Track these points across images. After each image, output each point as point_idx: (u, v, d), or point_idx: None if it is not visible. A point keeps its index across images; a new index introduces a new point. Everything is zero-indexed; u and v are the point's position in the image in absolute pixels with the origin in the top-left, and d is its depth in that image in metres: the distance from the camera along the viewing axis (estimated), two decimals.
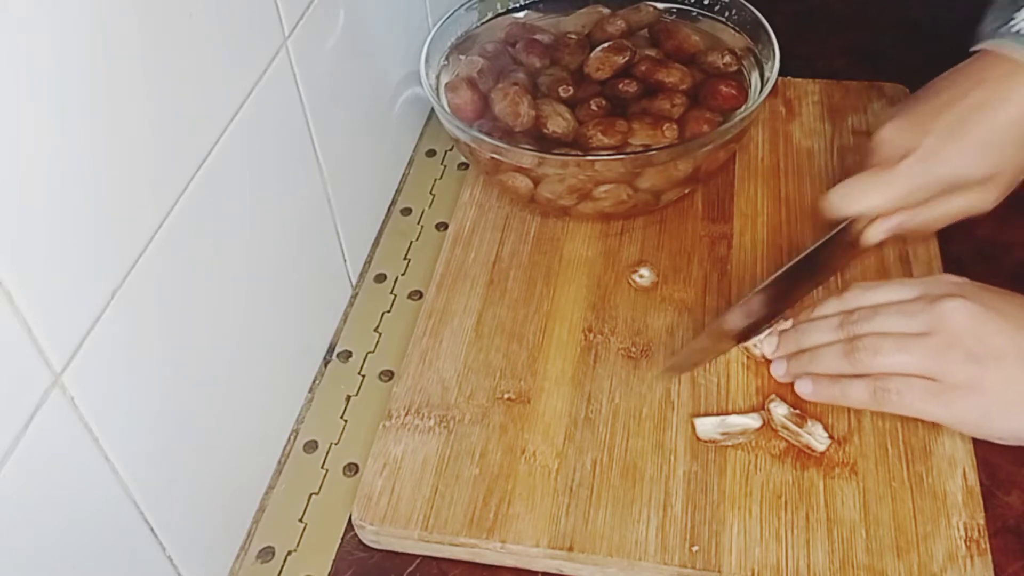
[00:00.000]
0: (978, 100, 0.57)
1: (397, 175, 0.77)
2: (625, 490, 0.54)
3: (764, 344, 0.59)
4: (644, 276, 0.65)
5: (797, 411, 0.56)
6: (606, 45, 0.72)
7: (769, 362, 0.59)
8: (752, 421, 0.56)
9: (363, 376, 0.63)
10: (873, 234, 0.59)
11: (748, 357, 0.60)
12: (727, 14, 0.74)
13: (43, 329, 0.36)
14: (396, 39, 0.73)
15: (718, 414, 0.57)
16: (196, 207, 0.46)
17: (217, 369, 0.50)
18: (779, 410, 0.56)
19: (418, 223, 0.74)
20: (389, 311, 0.67)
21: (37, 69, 0.35)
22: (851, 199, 0.59)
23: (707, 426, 0.56)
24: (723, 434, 0.56)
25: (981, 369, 0.50)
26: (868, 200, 0.58)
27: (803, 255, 0.59)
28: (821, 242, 0.59)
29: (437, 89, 0.71)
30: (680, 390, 0.59)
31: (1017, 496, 0.54)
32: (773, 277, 0.59)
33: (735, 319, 0.59)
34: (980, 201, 0.59)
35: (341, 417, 0.61)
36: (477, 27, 0.77)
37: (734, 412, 0.57)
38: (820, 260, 0.61)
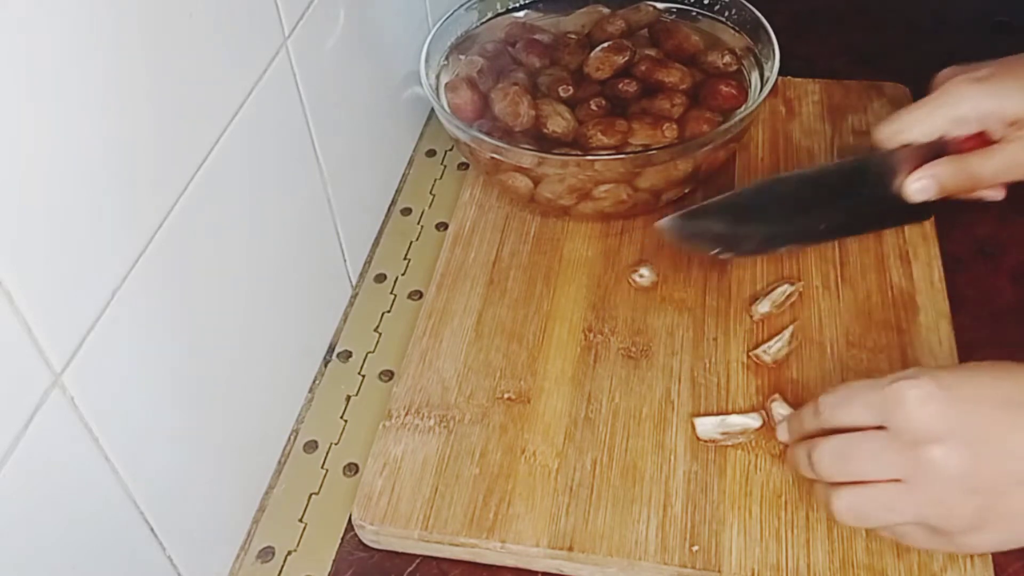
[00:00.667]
0: None
1: (397, 175, 0.77)
2: (625, 490, 0.54)
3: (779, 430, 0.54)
4: (644, 276, 0.64)
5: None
6: (606, 45, 0.72)
7: (770, 365, 0.59)
8: (752, 421, 0.56)
9: (363, 376, 0.63)
10: (917, 185, 0.57)
11: (748, 356, 0.60)
12: (727, 14, 0.74)
13: (43, 329, 0.36)
14: (396, 39, 0.73)
15: (718, 414, 0.57)
16: (196, 207, 0.46)
17: (217, 369, 0.50)
18: (780, 410, 0.56)
19: (418, 223, 0.74)
20: (389, 311, 0.67)
21: (37, 69, 0.35)
22: (901, 123, 0.57)
23: (707, 426, 0.56)
24: (723, 434, 0.56)
25: (985, 500, 0.44)
26: (918, 124, 0.57)
27: (834, 164, 0.58)
28: (857, 159, 0.58)
29: (437, 89, 0.71)
30: (680, 389, 0.59)
31: None
32: (799, 173, 0.58)
33: (749, 198, 0.58)
34: None
35: (341, 417, 0.61)
36: (477, 27, 0.77)
37: (734, 412, 0.57)
38: (851, 188, 0.58)
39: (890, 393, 0.45)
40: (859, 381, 0.48)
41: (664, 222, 0.60)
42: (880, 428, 0.46)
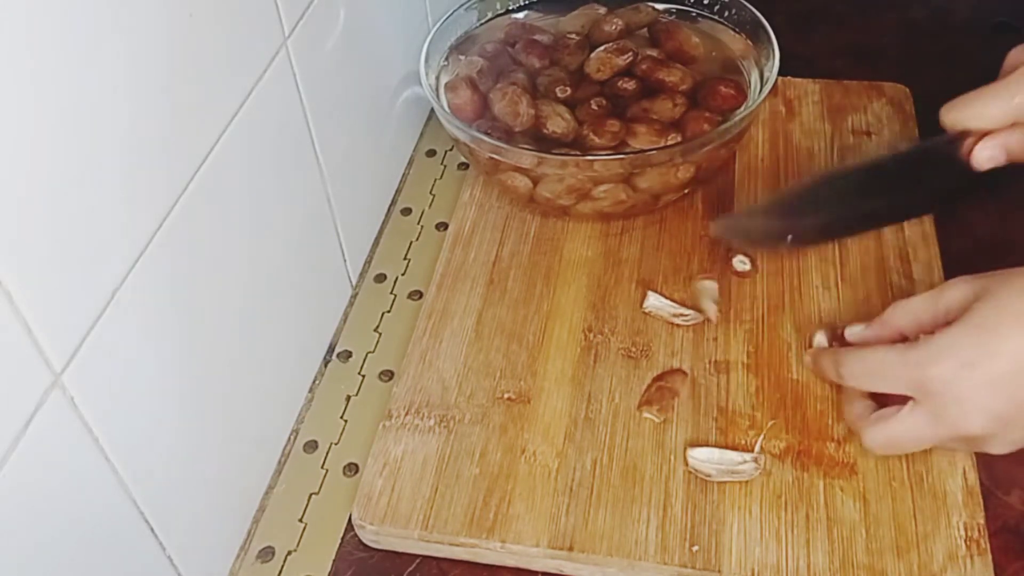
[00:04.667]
0: None
1: (397, 175, 0.77)
2: (625, 490, 0.54)
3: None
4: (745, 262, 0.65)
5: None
6: (608, 46, 0.72)
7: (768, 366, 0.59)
8: (747, 466, 0.55)
9: (363, 376, 0.63)
10: (984, 153, 0.55)
11: (748, 357, 0.60)
12: (727, 14, 0.74)
13: (43, 329, 0.36)
14: (396, 39, 0.73)
15: (716, 446, 0.56)
16: (196, 207, 0.46)
17: (217, 368, 0.50)
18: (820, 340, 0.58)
19: (418, 223, 0.74)
20: (389, 311, 0.67)
21: (36, 69, 0.35)
22: (963, 111, 0.55)
23: (700, 458, 0.55)
24: (718, 470, 0.55)
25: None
26: (986, 109, 0.54)
27: (895, 154, 0.56)
28: (919, 146, 0.56)
29: (437, 89, 0.71)
30: (680, 390, 0.59)
31: (1017, 496, 0.54)
32: (853, 166, 0.56)
33: (797, 197, 0.57)
34: None
35: (341, 417, 0.61)
36: (477, 27, 0.77)
37: (730, 447, 0.56)
38: (915, 176, 0.57)
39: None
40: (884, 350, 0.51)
41: (716, 223, 0.60)
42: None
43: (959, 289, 0.51)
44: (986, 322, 0.48)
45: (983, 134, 0.55)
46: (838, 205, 0.60)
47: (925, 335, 0.50)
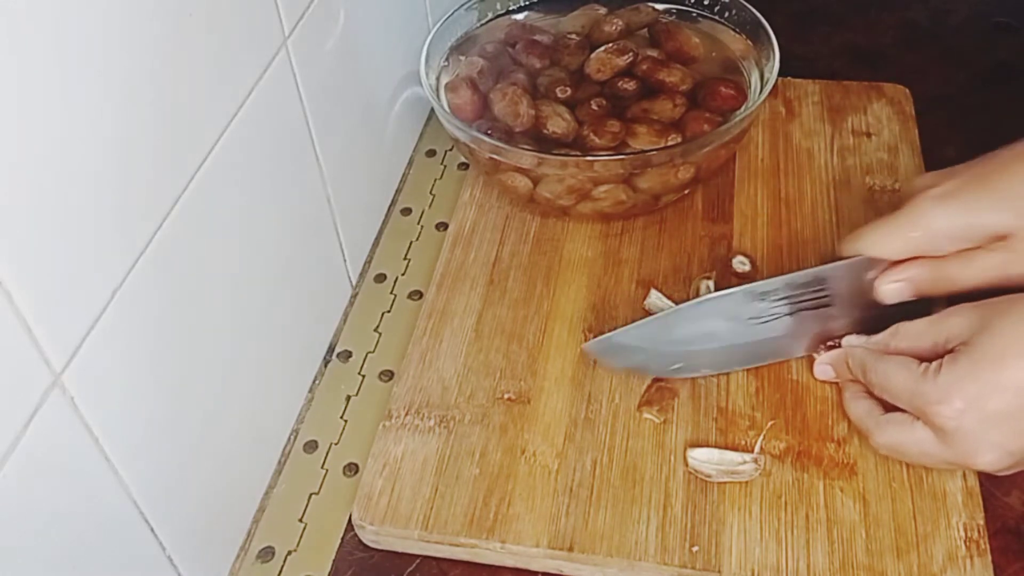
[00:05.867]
0: (1016, 152, 0.51)
1: (397, 175, 0.77)
2: (625, 490, 0.54)
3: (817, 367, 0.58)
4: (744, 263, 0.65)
5: None
6: (608, 46, 0.72)
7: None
8: (747, 467, 0.54)
9: (363, 376, 0.63)
10: (889, 287, 0.54)
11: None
12: (727, 14, 0.74)
13: (43, 329, 0.36)
14: (396, 39, 0.73)
15: (716, 446, 0.55)
16: (196, 207, 0.46)
17: (217, 369, 0.50)
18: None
19: (418, 223, 0.74)
20: (389, 311, 0.67)
21: (36, 69, 0.35)
22: (866, 242, 0.54)
23: (700, 458, 0.55)
24: (717, 471, 0.55)
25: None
26: (884, 243, 0.53)
27: (809, 271, 0.55)
28: (817, 269, 0.55)
29: (437, 89, 0.71)
30: (680, 390, 0.59)
31: (1017, 496, 0.54)
32: (778, 279, 0.55)
33: (736, 304, 0.56)
34: (1012, 263, 0.51)
35: (341, 417, 0.61)
36: (477, 28, 0.77)
37: (729, 447, 0.56)
38: (835, 291, 0.56)
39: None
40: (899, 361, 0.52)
41: (588, 345, 0.59)
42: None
43: (961, 317, 0.50)
44: (988, 355, 0.47)
45: (889, 264, 0.54)
46: (722, 334, 0.57)
47: (935, 363, 0.49)
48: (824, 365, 0.58)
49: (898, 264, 0.54)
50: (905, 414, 0.51)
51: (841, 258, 0.55)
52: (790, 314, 0.57)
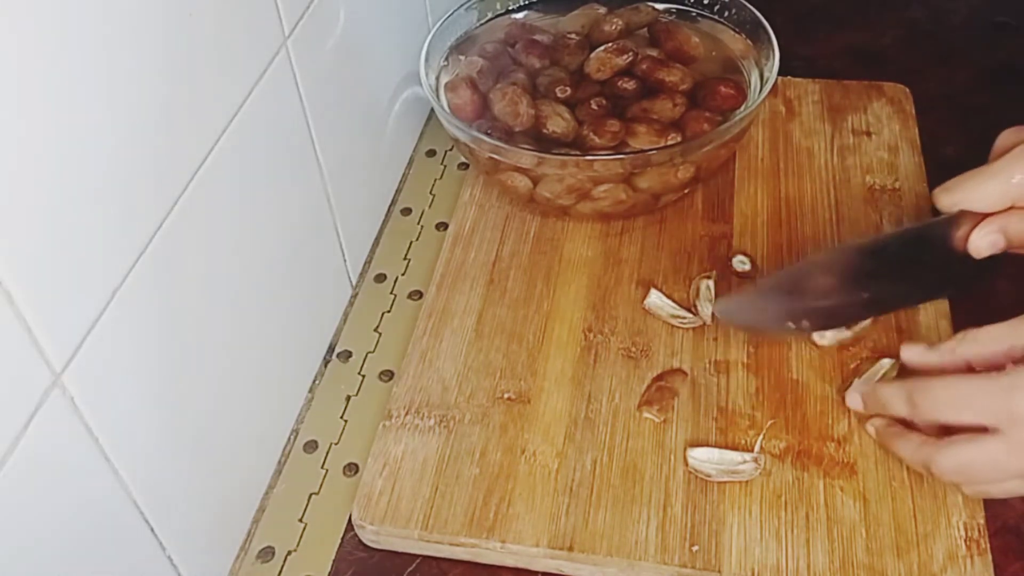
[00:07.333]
0: None
1: (397, 175, 0.77)
2: (625, 490, 0.54)
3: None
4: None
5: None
6: (608, 46, 0.72)
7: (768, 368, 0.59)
8: (747, 466, 0.54)
9: (363, 376, 0.63)
10: (980, 241, 0.53)
11: (748, 357, 0.60)
12: (727, 14, 0.74)
13: (43, 329, 0.36)
14: (396, 39, 0.73)
15: (716, 446, 0.55)
16: (196, 207, 0.46)
17: (217, 369, 0.50)
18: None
19: (418, 223, 0.74)
20: (389, 311, 0.67)
21: (36, 69, 0.35)
22: (958, 192, 0.53)
23: (700, 458, 0.55)
24: (717, 470, 0.54)
25: None
26: (982, 191, 0.52)
27: (890, 234, 0.54)
28: (918, 227, 0.54)
29: (437, 89, 0.71)
30: (680, 390, 0.59)
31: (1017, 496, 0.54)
32: (854, 246, 0.55)
33: (786, 281, 0.56)
34: None
35: (341, 417, 0.61)
36: (477, 27, 0.77)
37: (730, 447, 0.56)
38: (912, 258, 0.56)
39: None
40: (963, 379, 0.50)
41: (718, 305, 0.60)
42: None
43: None
44: None
45: (980, 218, 0.53)
46: (841, 290, 0.57)
47: (1011, 366, 0.48)
48: (855, 394, 0.56)
49: (991, 217, 0.53)
50: (967, 433, 0.49)
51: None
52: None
